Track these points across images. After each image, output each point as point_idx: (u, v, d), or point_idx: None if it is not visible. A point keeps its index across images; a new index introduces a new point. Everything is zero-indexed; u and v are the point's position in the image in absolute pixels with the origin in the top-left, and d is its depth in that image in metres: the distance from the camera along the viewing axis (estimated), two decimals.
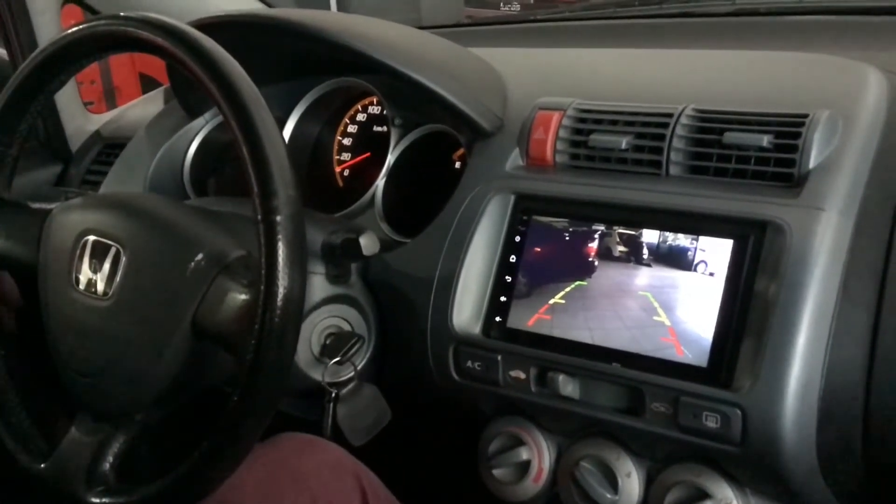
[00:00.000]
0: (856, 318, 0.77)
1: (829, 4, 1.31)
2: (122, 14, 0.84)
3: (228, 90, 0.77)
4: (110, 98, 3.42)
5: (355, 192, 1.17)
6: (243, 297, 0.80)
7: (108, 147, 1.41)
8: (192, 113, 1.26)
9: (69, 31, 0.88)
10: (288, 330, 0.75)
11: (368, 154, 1.22)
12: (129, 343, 0.85)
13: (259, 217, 0.75)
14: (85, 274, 0.88)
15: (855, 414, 0.77)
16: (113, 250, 0.86)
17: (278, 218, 0.74)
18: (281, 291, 0.73)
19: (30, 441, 0.93)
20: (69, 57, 0.90)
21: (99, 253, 0.87)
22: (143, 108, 1.49)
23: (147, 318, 0.84)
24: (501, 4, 5.36)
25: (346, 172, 1.25)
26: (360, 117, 1.25)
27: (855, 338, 0.77)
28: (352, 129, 1.25)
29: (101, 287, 0.86)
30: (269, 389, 0.76)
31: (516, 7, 5.24)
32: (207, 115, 1.27)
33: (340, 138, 1.26)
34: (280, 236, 0.74)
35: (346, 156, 1.25)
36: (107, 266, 0.86)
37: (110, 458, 0.88)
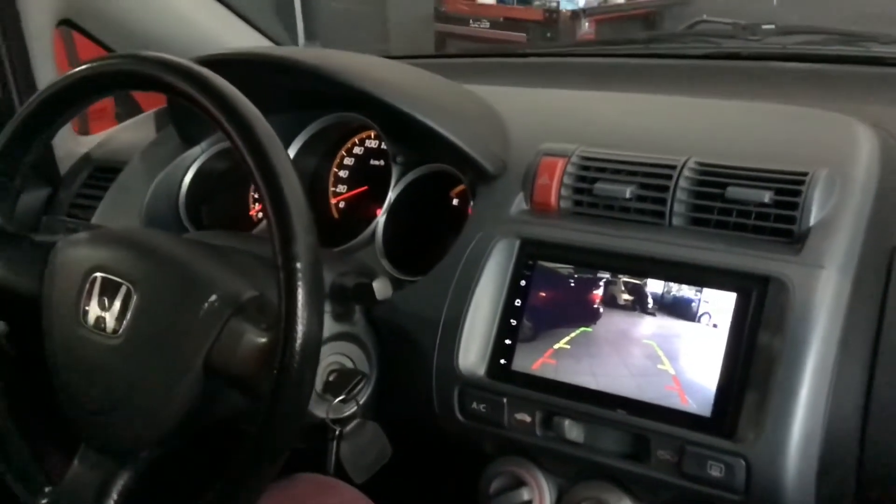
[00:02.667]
0: (853, 372, 0.80)
1: (811, 52, 1.36)
2: (137, 54, 0.85)
3: (249, 137, 0.78)
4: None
5: (351, 225, 1.18)
6: (260, 339, 0.81)
7: (99, 171, 1.40)
8: (189, 142, 1.27)
9: (83, 67, 0.89)
10: (306, 374, 0.76)
11: (366, 188, 1.24)
12: (139, 382, 0.86)
13: (279, 263, 0.76)
14: (94, 311, 0.88)
15: (850, 464, 0.80)
16: (124, 289, 0.87)
17: (298, 265, 0.76)
18: (300, 337, 0.75)
19: (29, 475, 0.93)
20: (80, 93, 0.91)
21: (109, 290, 0.88)
22: (134, 131, 1.48)
23: (158, 357, 0.85)
24: (471, 21, 5.42)
25: (342, 205, 1.26)
26: (357, 150, 1.26)
27: (852, 392, 0.80)
28: (348, 161, 1.27)
29: (110, 325, 0.87)
30: (285, 433, 0.77)
31: (486, 25, 5.30)
32: (204, 145, 1.28)
33: (337, 170, 1.27)
34: (300, 283, 0.75)
35: (342, 188, 1.27)
36: (117, 304, 0.87)
37: (115, 496, 0.88)
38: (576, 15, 4.60)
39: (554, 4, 4.60)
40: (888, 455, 0.80)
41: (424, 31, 5.57)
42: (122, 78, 0.86)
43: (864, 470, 0.81)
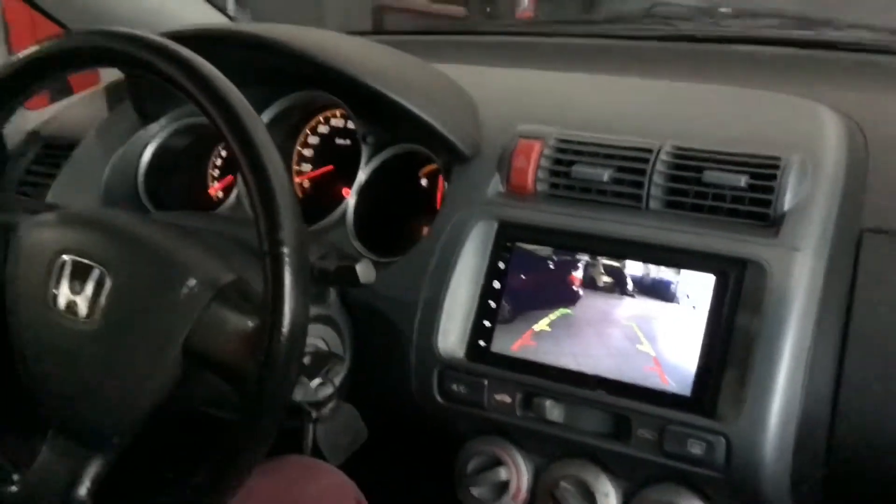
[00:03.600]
0: (826, 352, 0.83)
1: (766, 35, 1.38)
2: (112, 30, 0.82)
3: (232, 119, 0.77)
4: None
5: (316, 205, 1.16)
6: (243, 325, 0.79)
7: (48, 147, 1.35)
8: (147, 118, 1.23)
9: (51, 42, 0.85)
10: (292, 360, 0.75)
11: (331, 167, 1.22)
12: (114, 367, 0.84)
13: (266, 248, 0.75)
14: (64, 295, 0.86)
15: (821, 440, 0.83)
16: (96, 272, 0.84)
17: (285, 250, 0.75)
18: (287, 323, 0.74)
19: None
20: (47, 69, 0.87)
21: (80, 274, 0.85)
22: (84, 107, 1.43)
23: (135, 342, 0.83)
24: None
25: (306, 184, 1.24)
26: (322, 129, 1.24)
27: (825, 371, 0.83)
28: (313, 140, 1.25)
29: (83, 309, 0.84)
30: (271, 418, 0.76)
31: None
32: (163, 121, 1.24)
33: (300, 149, 1.25)
34: (287, 269, 0.74)
35: (306, 167, 1.25)
36: (89, 288, 0.84)
37: (87, 483, 0.86)
38: None
39: None
40: (857, 432, 0.83)
41: (361, 4, 5.49)
42: (94, 54, 0.83)
43: (834, 446, 0.84)
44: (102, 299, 0.84)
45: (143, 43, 0.79)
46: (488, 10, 4.64)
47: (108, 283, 0.84)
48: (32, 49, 0.86)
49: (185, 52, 0.78)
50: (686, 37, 1.42)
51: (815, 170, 0.88)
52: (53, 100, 1.59)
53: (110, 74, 1.59)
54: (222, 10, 1.55)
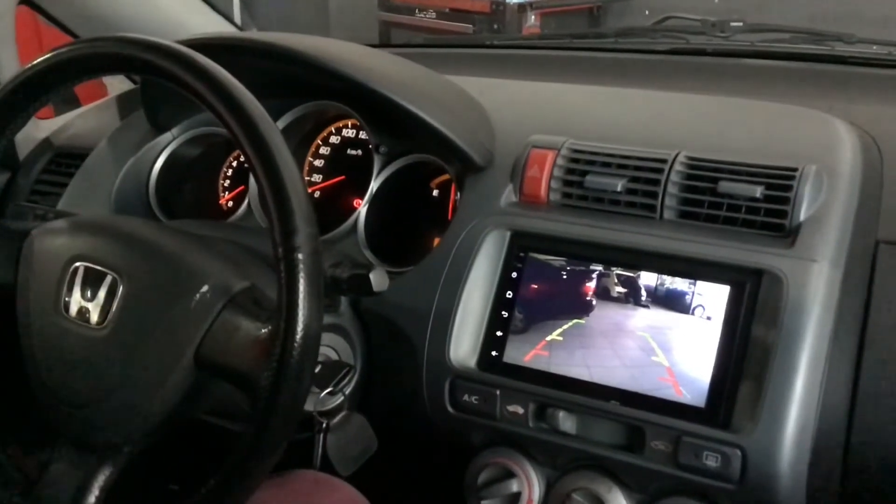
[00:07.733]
0: (842, 363, 0.83)
1: (778, 49, 1.38)
2: (128, 37, 0.83)
3: (248, 125, 0.77)
4: None
5: (327, 215, 1.16)
6: (257, 332, 0.79)
7: (60, 156, 1.35)
8: (160, 128, 1.23)
9: (69, 47, 0.85)
10: (306, 367, 0.75)
11: (342, 178, 1.22)
12: (126, 375, 0.83)
13: (280, 254, 0.75)
14: (76, 301, 0.85)
15: (837, 454, 0.83)
16: (108, 279, 0.84)
17: (299, 256, 0.74)
18: (300, 329, 0.73)
19: (3, 473, 0.90)
20: (64, 75, 0.87)
21: (92, 281, 0.85)
22: (97, 116, 1.44)
23: (147, 350, 0.83)
24: (416, 11, 5.38)
25: (318, 195, 1.24)
26: (334, 139, 1.24)
27: (840, 382, 0.82)
28: (324, 150, 1.25)
29: (95, 316, 0.84)
30: (284, 425, 0.76)
31: (431, 15, 5.27)
32: (175, 131, 1.24)
33: (312, 160, 1.25)
34: (301, 274, 0.74)
35: (316, 177, 1.25)
36: (101, 295, 0.84)
37: (96, 492, 0.85)
38: (522, 7, 4.61)
39: None
40: (872, 445, 0.82)
41: (367, 20, 5.50)
42: (112, 60, 0.83)
43: (850, 459, 0.83)
44: (114, 306, 0.83)
45: (161, 50, 0.80)
46: (496, 26, 4.68)
47: (120, 290, 0.84)
48: (51, 54, 0.86)
49: (202, 58, 0.79)
50: (697, 50, 1.42)
51: (831, 180, 0.88)
52: (59, 111, 1.60)
53: (118, 85, 1.60)
54: (230, 20, 1.56)
